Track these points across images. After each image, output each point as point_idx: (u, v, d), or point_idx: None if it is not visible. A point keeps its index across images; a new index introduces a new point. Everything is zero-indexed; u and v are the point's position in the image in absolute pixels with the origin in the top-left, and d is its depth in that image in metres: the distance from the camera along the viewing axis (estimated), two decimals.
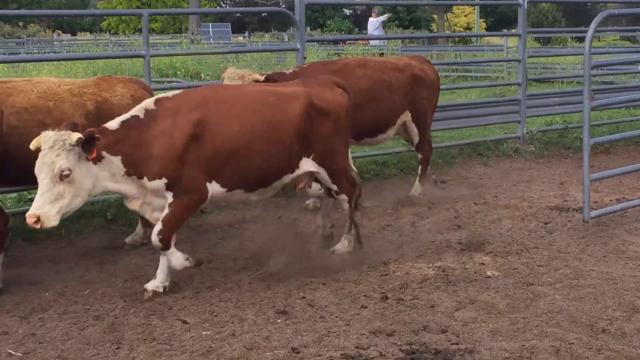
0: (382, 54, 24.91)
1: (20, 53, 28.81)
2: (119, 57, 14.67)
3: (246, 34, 39.10)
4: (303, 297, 5.84)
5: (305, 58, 9.27)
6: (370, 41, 26.51)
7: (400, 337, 5.07)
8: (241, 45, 32.37)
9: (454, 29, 55.45)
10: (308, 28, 64.23)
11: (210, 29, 57.29)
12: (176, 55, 11.77)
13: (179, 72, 19.88)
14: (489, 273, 6.25)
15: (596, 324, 5.19)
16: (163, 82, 13.79)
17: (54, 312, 5.67)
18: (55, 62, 19.25)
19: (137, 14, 8.54)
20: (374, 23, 26.41)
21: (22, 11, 28.35)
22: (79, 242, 7.44)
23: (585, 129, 7.18)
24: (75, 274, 6.53)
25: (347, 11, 75.94)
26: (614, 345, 4.86)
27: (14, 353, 5.00)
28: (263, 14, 69.29)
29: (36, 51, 28.35)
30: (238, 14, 68.71)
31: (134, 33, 61.76)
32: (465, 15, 66.84)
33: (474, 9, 50.74)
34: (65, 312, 5.68)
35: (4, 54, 29.51)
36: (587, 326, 5.17)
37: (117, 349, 5.02)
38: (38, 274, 6.56)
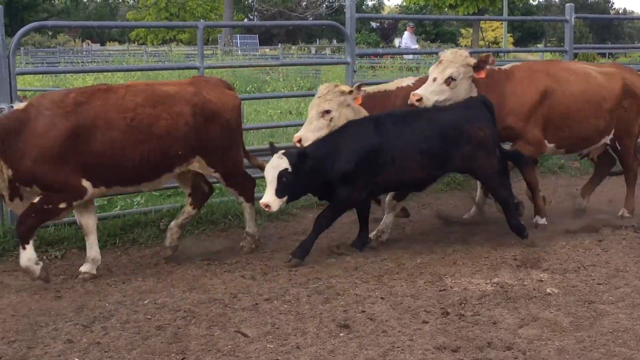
0: (418, 67, 24.90)
1: (60, 63, 28.99)
2: (173, 69, 14.75)
3: (279, 46, 39.11)
4: (363, 311, 5.83)
5: (355, 72, 9.29)
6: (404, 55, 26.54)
7: (465, 354, 5.06)
8: (275, 58, 32.36)
9: (489, 44, 55.41)
10: (334, 40, 64.60)
11: (238, 41, 57.56)
12: (230, 67, 11.80)
13: None
14: (548, 290, 6.22)
15: None
16: None
17: (116, 321, 5.69)
18: (95, 73, 19.42)
19: (193, 26, 8.58)
20: (409, 37, 26.44)
21: (82, 22, 28.59)
22: (134, 251, 7.49)
23: None
24: (133, 283, 6.57)
25: (374, 24, 76.17)
26: None
27: None
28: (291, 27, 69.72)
29: (67, 61, 28.61)
30: (265, 26, 68.86)
31: (161, 43, 62.24)
32: (492, 30, 66.75)
33: (502, 24, 50.67)
34: (127, 321, 5.70)
35: (42, 63, 29.90)
36: None
37: (182, 359, 5.04)
38: (95, 283, 6.60)
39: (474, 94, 7.63)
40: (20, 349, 5.23)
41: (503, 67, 8.15)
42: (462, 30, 71.64)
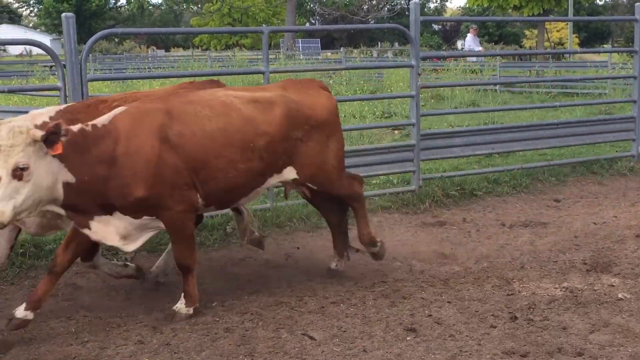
0: (480, 70, 24.69)
1: (127, 69, 29.57)
2: (240, 74, 14.91)
3: (341, 49, 39.15)
4: (429, 315, 5.80)
5: (419, 74, 9.25)
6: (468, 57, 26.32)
7: (535, 359, 4.99)
8: (337, 62, 32.45)
9: (554, 45, 54.59)
10: (396, 43, 64.42)
11: (300, 45, 57.83)
12: (294, 72, 11.82)
13: None
14: (620, 295, 6.09)
15: None
16: None
17: (185, 323, 5.77)
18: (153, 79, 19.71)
19: (258, 31, 8.63)
20: (472, 39, 26.22)
21: (147, 29, 29.18)
22: (201, 254, 7.57)
23: None
24: (200, 286, 6.64)
25: (436, 27, 75.76)
26: None
27: None
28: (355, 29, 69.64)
29: (133, 67, 29.13)
30: (329, 31, 69.04)
31: (224, 49, 62.94)
32: (557, 31, 65.71)
33: (567, 25, 49.89)
34: (195, 323, 5.77)
35: (109, 70, 30.52)
36: None
37: None
38: (164, 285, 6.70)
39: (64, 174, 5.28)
40: (94, 349, 5.34)
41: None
42: (526, 32, 70.68)
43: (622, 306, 5.88)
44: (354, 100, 16.82)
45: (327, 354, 5.16)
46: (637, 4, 10.99)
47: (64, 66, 7.33)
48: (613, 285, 6.35)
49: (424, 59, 13.94)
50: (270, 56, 36.41)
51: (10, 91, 7.37)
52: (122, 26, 73.22)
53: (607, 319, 5.64)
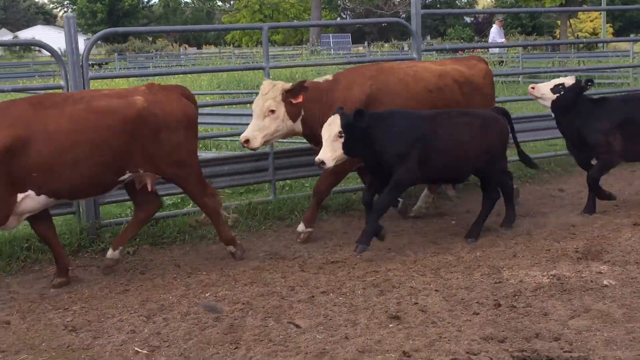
0: (502, 61, 24.56)
1: (149, 67, 29.96)
2: (240, 70, 15.14)
3: (365, 44, 39.22)
4: (415, 303, 5.92)
5: None
6: (490, 49, 26.16)
7: (511, 344, 5.08)
8: (361, 56, 32.53)
9: (578, 34, 53.99)
10: (428, 37, 64.21)
11: (331, 40, 57.94)
12: (294, 67, 11.98)
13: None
14: (605, 282, 6.16)
15: None
16: None
17: (177, 313, 5.96)
18: (181, 75, 19.98)
19: (258, 28, 8.81)
20: (497, 31, 26.12)
21: (145, 28, 29.59)
22: (202, 247, 7.77)
23: None
24: (197, 277, 6.83)
25: (468, 19, 75.29)
26: None
27: (140, 350, 5.30)
28: (383, 24, 69.65)
29: (164, 65, 29.48)
30: (358, 25, 69.08)
31: (256, 45, 63.34)
32: (590, 21, 64.94)
33: (601, 14, 49.36)
34: (187, 313, 5.95)
35: (135, 68, 30.95)
36: None
37: (235, 349, 5.24)
38: (163, 277, 6.89)
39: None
40: (87, 339, 5.54)
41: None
42: (559, 22, 69.93)
43: (606, 293, 5.95)
44: None
45: (309, 341, 5.30)
46: None
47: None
48: (601, 273, 6.41)
49: (428, 51, 13.95)
50: (295, 52, 36.73)
51: (14, 90, 7.58)
52: (155, 24, 73.86)
53: (589, 305, 5.71)
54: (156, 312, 6.01)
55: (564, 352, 4.92)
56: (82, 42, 21.04)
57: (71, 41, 7.44)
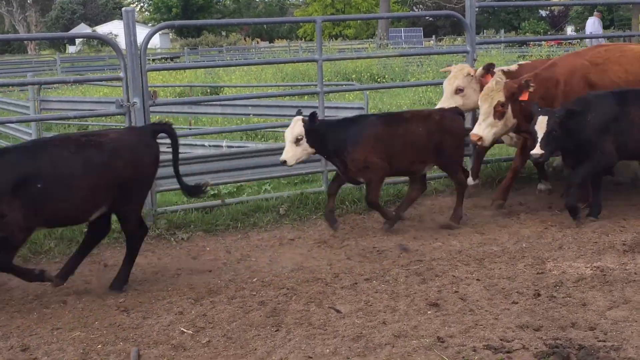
0: None
1: (215, 60, 30.50)
2: (292, 62, 15.43)
3: (433, 37, 39.07)
4: (456, 292, 6.01)
5: (475, 60, 9.37)
6: (588, 41, 25.31)
7: (546, 332, 5.14)
8: (424, 49, 32.44)
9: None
10: (502, 30, 63.30)
11: (402, 34, 57.75)
12: (346, 59, 12.15)
13: (358, 76, 20.55)
14: None
15: None
16: (338, 85, 14.31)
17: (224, 297, 6.18)
18: (246, 68, 20.37)
19: (311, 21, 8.98)
20: (593, 23, 25.57)
21: (205, 21, 30.20)
22: (253, 234, 7.98)
23: None
24: (245, 263, 7.05)
25: (543, 12, 73.99)
26: None
27: (185, 331, 5.53)
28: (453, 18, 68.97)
29: (229, 58, 29.96)
30: (428, 18, 68.70)
31: (328, 39, 63.56)
32: None
33: None
34: (233, 297, 6.17)
35: (203, 61, 31.53)
36: None
37: (276, 331, 5.43)
38: (213, 263, 7.12)
39: None
40: (137, 319, 5.80)
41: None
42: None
43: None
44: (411, 86, 16.97)
45: (348, 325, 5.44)
46: None
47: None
48: None
49: (481, 44, 13.88)
50: (362, 45, 36.80)
51: (76, 82, 7.90)
52: (229, 18, 74.71)
53: (629, 296, 5.72)
54: (204, 295, 6.24)
55: (598, 341, 4.97)
56: (157, 36, 21.65)
57: (129, 34, 7.72)
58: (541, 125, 7.46)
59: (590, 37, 21.64)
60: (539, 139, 7.45)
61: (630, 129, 7.69)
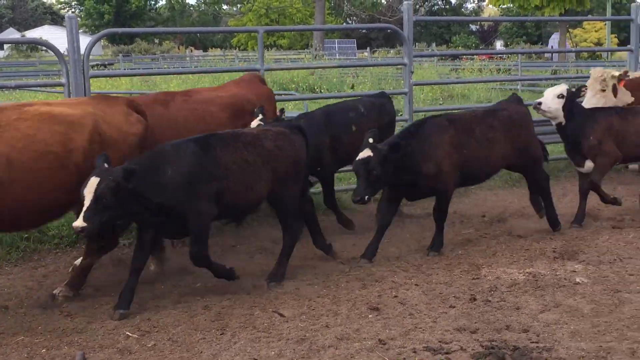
0: (556, 71, 24.43)
1: (152, 68, 30.37)
2: (235, 71, 15.48)
3: (368, 49, 39.62)
4: (395, 296, 6.21)
5: (412, 72, 9.64)
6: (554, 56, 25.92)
7: (482, 335, 5.36)
8: (361, 60, 32.90)
9: (577, 44, 54.15)
10: (434, 44, 64.49)
11: (336, 45, 58.31)
12: (288, 69, 12.29)
13: (296, 86, 20.76)
14: (578, 280, 6.44)
15: None
16: (280, 94, 14.48)
17: (168, 302, 6.25)
18: (183, 76, 20.34)
19: (253, 31, 9.14)
20: (554, 38, 26.38)
21: (142, 29, 30.29)
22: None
23: None
24: (188, 269, 7.10)
25: (473, 27, 75.61)
26: None
27: (131, 335, 5.59)
28: (388, 30, 69.88)
29: (166, 66, 29.89)
30: (363, 30, 69.48)
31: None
32: (595, 31, 65.09)
33: (606, 24, 49.55)
34: (178, 301, 6.25)
35: (138, 68, 31.32)
36: None
37: (221, 334, 5.53)
38: (155, 271, 7.17)
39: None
40: (81, 323, 5.83)
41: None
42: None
43: (578, 290, 6.23)
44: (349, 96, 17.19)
45: (291, 329, 5.58)
46: (633, 4, 11.25)
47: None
48: (575, 271, 6.70)
49: (418, 57, 14.23)
50: (298, 56, 37.06)
51: (18, 87, 7.88)
52: (162, 27, 74.23)
53: (559, 300, 6.00)
54: (148, 300, 6.30)
55: (531, 342, 5.20)
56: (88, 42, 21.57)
57: (73, 40, 7.74)
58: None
59: (518, 52, 22.19)
60: None
61: None
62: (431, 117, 7.61)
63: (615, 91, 9.69)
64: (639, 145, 8.29)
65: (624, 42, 69.17)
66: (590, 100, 9.53)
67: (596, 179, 8.18)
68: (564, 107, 8.19)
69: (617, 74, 9.74)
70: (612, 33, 45.71)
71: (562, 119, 8.19)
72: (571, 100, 8.25)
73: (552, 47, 25.25)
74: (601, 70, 9.96)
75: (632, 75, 10.18)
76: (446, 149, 7.19)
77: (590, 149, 8.14)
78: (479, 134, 7.42)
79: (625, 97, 9.78)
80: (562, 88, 8.28)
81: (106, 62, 38.62)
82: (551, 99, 8.20)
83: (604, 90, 9.67)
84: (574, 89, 8.38)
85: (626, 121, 8.25)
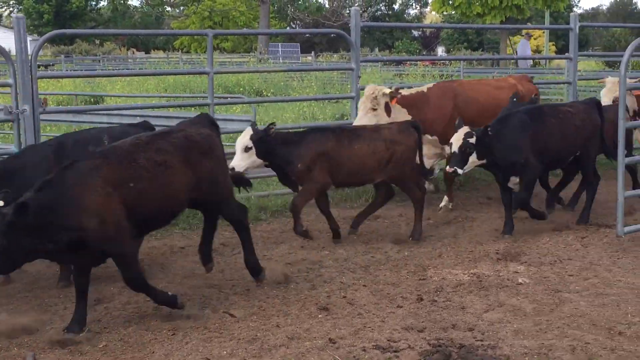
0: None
1: (96, 70, 30.06)
2: (184, 74, 15.56)
3: (312, 54, 39.83)
4: (344, 297, 6.33)
5: (359, 77, 9.80)
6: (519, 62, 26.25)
7: (429, 333, 5.52)
8: (308, 65, 33.07)
9: (515, 51, 55.21)
10: (377, 49, 64.95)
11: (280, 49, 58.33)
12: (237, 73, 12.41)
13: (243, 89, 20.79)
14: (520, 280, 6.65)
15: (614, 327, 5.56)
16: (227, 97, 14.51)
17: (118, 303, 6.27)
18: (128, 78, 20.20)
19: (203, 34, 9.18)
20: (525, 44, 26.60)
21: (94, 30, 29.81)
22: (144, 243, 8.01)
23: (620, 148, 7.51)
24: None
25: (415, 33, 76.38)
26: (628, 346, 5.22)
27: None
28: (332, 35, 70.28)
29: (111, 68, 29.62)
30: (307, 35, 69.72)
31: (205, 52, 63.29)
32: (534, 39, 66.32)
33: (544, 32, 50.57)
34: (127, 302, 6.28)
35: (81, 70, 30.96)
36: (605, 329, 5.54)
37: (172, 335, 5.58)
38: (103, 271, 7.13)
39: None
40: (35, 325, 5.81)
41: None
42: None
43: (520, 290, 6.44)
44: (298, 100, 17.31)
45: (243, 329, 5.67)
46: (572, 14, 11.60)
47: None
48: (517, 272, 6.91)
49: (365, 62, 14.41)
50: (243, 59, 37.07)
51: None
52: (103, 28, 73.47)
53: (503, 300, 6.19)
54: (97, 302, 6.30)
55: (476, 340, 5.37)
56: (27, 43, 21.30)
57: (20, 41, 7.69)
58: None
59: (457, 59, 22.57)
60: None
61: None
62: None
63: (388, 109, 8.93)
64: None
65: (561, 49, 70.84)
66: (362, 119, 8.81)
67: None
68: (260, 153, 7.60)
69: (388, 91, 8.92)
70: (550, 41, 46.67)
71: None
72: (261, 142, 7.60)
73: (516, 53, 25.64)
74: (372, 87, 9.09)
75: (406, 92, 9.35)
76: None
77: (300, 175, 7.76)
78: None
79: (400, 115, 8.97)
80: (245, 139, 7.64)
81: (47, 63, 38.09)
82: (240, 158, 7.63)
83: (375, 109, 8.86)
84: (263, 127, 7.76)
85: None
